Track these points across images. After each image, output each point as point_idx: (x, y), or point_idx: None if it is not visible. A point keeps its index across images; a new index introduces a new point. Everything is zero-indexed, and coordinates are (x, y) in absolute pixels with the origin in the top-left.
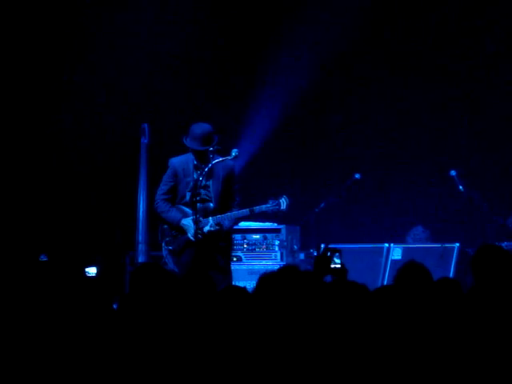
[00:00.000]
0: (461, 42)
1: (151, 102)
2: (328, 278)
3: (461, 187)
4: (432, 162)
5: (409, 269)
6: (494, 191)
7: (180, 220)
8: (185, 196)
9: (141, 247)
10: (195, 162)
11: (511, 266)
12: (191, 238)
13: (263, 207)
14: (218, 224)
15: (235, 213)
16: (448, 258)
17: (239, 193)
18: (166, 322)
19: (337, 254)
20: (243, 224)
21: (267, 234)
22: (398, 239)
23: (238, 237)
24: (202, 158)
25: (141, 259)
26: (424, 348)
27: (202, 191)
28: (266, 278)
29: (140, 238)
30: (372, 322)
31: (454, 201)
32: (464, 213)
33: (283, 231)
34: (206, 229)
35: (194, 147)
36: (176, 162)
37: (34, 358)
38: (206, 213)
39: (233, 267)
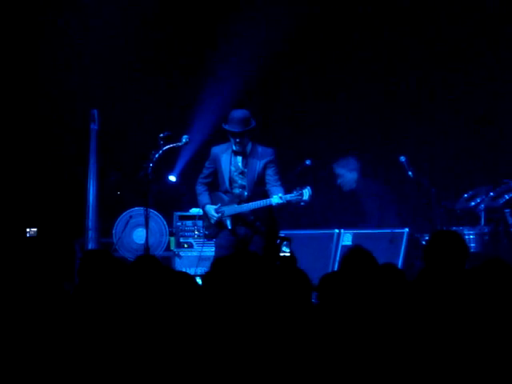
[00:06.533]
0: (412, 29)
1: (101, 87)
2: None
3: (410, 173)
4: (381, 148)
5: (354, 254)
6: (443, 177)
7: (204, 206)
8: (224, 183)
9: (90, 234)
10: (234, 148)
11: (465, 252)
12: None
13: (288, 197)
14: (236, 215)
15: (255, 203)
16: (397, 243)
17: (281, 178)
18: (114, 308)
19: (286, 242)
20: (193, 211)
21: None
22: (347, 224)
23: (188, 223)
24: (241, 143)
25: (90, 246)
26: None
27: (239, 179)
28: (220, 262)
29: (90, 224)
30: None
31: (404, 186)
32: (413, 198)
33: None
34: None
35: (232, 129)
36: (216, 149)
37: None
38: (240, 200)
39: (183, 254)
